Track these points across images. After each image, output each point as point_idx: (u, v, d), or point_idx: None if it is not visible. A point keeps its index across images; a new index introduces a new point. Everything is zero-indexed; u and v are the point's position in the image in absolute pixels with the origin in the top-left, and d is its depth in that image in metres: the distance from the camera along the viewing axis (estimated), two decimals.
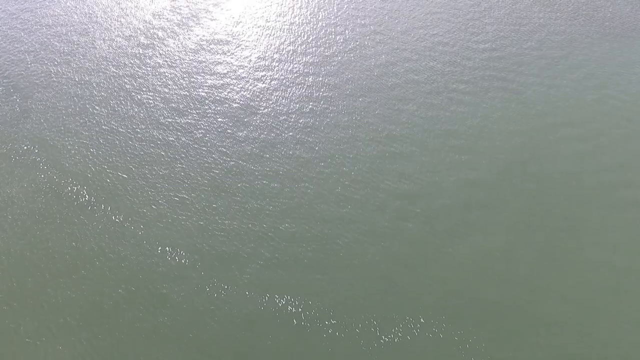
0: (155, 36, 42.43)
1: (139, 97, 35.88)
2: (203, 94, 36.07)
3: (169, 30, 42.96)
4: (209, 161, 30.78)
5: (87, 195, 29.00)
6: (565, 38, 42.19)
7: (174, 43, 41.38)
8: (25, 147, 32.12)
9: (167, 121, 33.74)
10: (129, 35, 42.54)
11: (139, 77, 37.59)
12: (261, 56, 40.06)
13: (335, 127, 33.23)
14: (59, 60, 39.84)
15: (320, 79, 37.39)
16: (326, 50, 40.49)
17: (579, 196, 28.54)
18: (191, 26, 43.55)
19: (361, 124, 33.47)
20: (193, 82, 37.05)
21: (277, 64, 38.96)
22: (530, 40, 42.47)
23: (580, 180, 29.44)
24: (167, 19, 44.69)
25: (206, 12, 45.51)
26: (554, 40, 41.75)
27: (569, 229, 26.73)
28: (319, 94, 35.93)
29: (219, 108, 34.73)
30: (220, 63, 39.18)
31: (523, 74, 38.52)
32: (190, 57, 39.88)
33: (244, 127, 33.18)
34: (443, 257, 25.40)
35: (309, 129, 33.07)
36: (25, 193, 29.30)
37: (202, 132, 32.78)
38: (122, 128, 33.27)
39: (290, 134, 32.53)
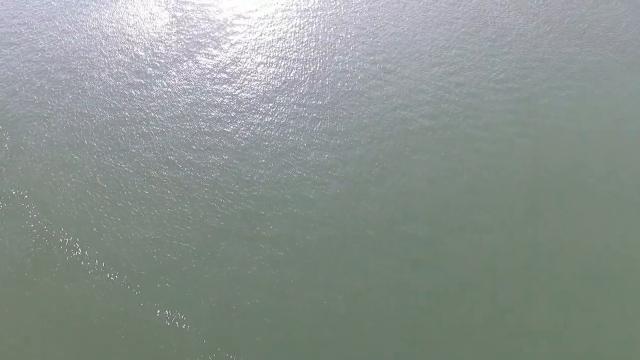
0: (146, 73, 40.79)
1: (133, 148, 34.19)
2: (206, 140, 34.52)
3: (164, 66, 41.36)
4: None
5: (79, 249, 27.27)
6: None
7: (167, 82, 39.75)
8: (14, 192, 30.31)
9: (173, 158, 32.11)
10: (117, 74, 40.83)
11: (137, 111, 35.92)
12: (254, 101, 38.47)
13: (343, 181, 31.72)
14: (42, 104, 38.04)
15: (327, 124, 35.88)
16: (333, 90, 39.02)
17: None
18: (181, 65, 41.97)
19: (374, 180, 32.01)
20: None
21: (274, 114, 36.91)
22: (556, 77, 40.51)
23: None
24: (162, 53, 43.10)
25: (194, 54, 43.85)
26: (585, 76, 39.65)
27: None
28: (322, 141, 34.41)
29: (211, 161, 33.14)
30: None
31: (547, 116, 35.92)
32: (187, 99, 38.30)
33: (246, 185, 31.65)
34: None
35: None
36: (12, 246, 27.50)
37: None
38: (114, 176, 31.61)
39: (288, 196, 30.52)
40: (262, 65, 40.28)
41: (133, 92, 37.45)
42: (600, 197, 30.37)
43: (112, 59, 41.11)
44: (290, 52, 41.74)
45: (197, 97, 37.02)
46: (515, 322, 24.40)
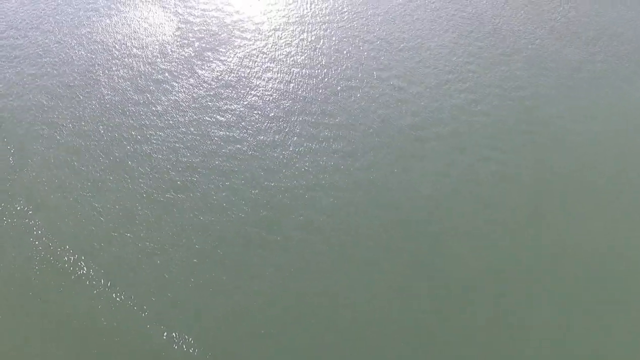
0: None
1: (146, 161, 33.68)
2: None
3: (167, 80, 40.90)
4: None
5: (85, 268, 26.75)
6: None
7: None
8: (18, 208, 29.82)
9: (180, 181, 31.63)
10: (121, 89, 40.30)
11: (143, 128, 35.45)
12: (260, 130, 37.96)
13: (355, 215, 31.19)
14: (48, 118, 37.59)
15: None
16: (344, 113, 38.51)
17: None
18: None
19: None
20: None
21: (279, 134, 36.35)
22: (578, 90, 39.35)
23: None
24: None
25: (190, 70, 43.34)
26: (593, 83, 39.28)
27: None
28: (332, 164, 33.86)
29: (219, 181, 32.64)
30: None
31: (554, 124, 35.61)
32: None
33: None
34: None
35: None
36: (16, 263, 27.00)
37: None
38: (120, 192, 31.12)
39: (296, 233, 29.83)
40: (271, 81, 39.63)
41: (139, 110, 36.99)
42: (604, 200, 30.65)
43: (118, 72, 40.69)
44: (299, 68, 41.19)
45: (200, 116, 36.59)
46: (519, 324, 24.49)
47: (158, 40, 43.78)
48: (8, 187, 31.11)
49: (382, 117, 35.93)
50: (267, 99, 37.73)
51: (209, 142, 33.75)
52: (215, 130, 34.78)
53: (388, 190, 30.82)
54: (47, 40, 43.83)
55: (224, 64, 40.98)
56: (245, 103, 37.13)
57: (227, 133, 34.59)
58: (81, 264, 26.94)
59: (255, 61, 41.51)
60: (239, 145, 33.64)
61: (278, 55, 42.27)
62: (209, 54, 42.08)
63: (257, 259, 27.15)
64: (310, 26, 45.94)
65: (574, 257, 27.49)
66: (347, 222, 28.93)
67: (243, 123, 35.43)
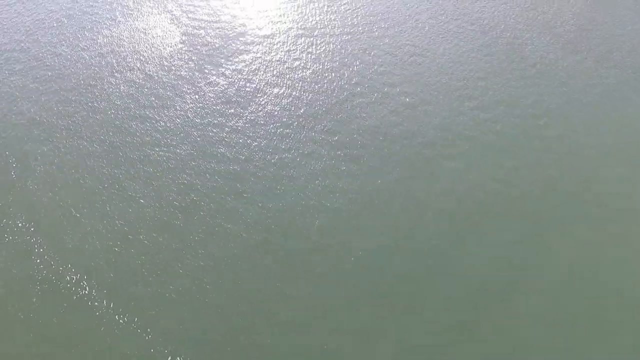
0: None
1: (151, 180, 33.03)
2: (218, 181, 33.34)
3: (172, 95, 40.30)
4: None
5: (87, 288, 26.04)
6: None
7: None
8: (20, 224, 29.16)
9: (182, 204, 30.95)
10: (124, 106, 39.74)
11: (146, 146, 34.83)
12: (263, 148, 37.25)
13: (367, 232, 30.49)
14: (51, 131, 36.99)
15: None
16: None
17: None
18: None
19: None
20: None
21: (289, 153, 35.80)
22: (591, 105, 38.23)
23: None
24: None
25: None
26: (605, 97, 38.58)
27: None
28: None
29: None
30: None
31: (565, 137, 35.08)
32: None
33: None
34: None
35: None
36: (18, 282, 26.31)
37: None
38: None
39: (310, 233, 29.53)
40: (278, 97, 38.94)
41: (142, 125, 36.36)
42: (618, 212, 30.08)
43: (119, 86, 40.12)
44: (307, 84, 40.52)
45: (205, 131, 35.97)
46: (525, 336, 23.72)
47: (160, 52, 43.24)
48: (10, 202, 30.48)
49: (391, 137, 35.20)
50: (274, 112, 37.09)
51: (212, 161, 32.99)
52: (220, 148, 34.14)
53: (390, 211, 30.13)
54: (51, 53, 43.36)
55: (228, 78, 40.40)
56: (252, 118, 36.54)
57: (230, 150, 33.97)
58: (83, 283, 26.22)
59: (261, 74, 40.90)
60: (242, 165, 32.98)
61: (283, 69, 41.67)
62: (209, 66, 41.55)
63: (264, 280, 26.45)
64: (319, 39, 45.41)
65: (589, 271, 26.77)
66: (349, 242, 28.26)
67: (249, 140, 34.82)
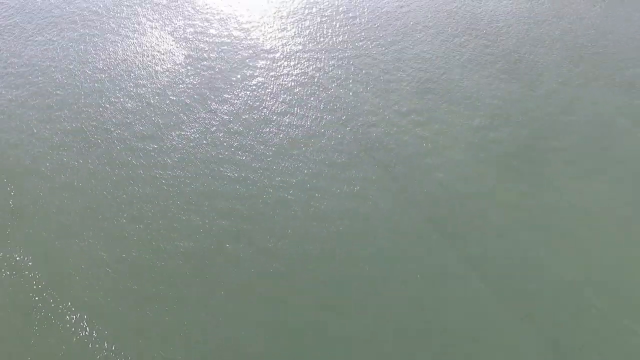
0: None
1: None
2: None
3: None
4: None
5: (88, 328, 24.53)
6: None
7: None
8: (17, 258, 27.71)
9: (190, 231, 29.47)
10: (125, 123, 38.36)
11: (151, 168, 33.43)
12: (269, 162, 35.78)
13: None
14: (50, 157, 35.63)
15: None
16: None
17: None
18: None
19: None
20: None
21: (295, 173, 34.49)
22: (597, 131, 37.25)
23: None
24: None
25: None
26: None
27: None
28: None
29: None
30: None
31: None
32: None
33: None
34: None
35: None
36: (14, 321, 24.83)
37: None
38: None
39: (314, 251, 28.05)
40: (281, 116, 37.68)
41: (148, 146, 35.00)
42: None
43: (125, 105, 38.82)
44: (314, 101, 39.23)
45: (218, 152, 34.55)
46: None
47: (167, 70, 41.96)
48: (8, 233, 29.06)
49: (401, 183, 33.79)
50: (284, 137, 35.70)
51: (220, 189, 31.60)
52: (229, 173, 32.73)
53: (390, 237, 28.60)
54: (56, 76, 42.14)
55: (233, 102, 39.06)
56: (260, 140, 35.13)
57: (240, 174, 32.54)
58: (84, 324, 24.74)
59: (270, 96, 39.58)
60: (251, 201, 31.56)
61: (296, 91, 40.35)
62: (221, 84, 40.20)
63: (273, 317, 24.92)
64: (326, 53, 44.11)
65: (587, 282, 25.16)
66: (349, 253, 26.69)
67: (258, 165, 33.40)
